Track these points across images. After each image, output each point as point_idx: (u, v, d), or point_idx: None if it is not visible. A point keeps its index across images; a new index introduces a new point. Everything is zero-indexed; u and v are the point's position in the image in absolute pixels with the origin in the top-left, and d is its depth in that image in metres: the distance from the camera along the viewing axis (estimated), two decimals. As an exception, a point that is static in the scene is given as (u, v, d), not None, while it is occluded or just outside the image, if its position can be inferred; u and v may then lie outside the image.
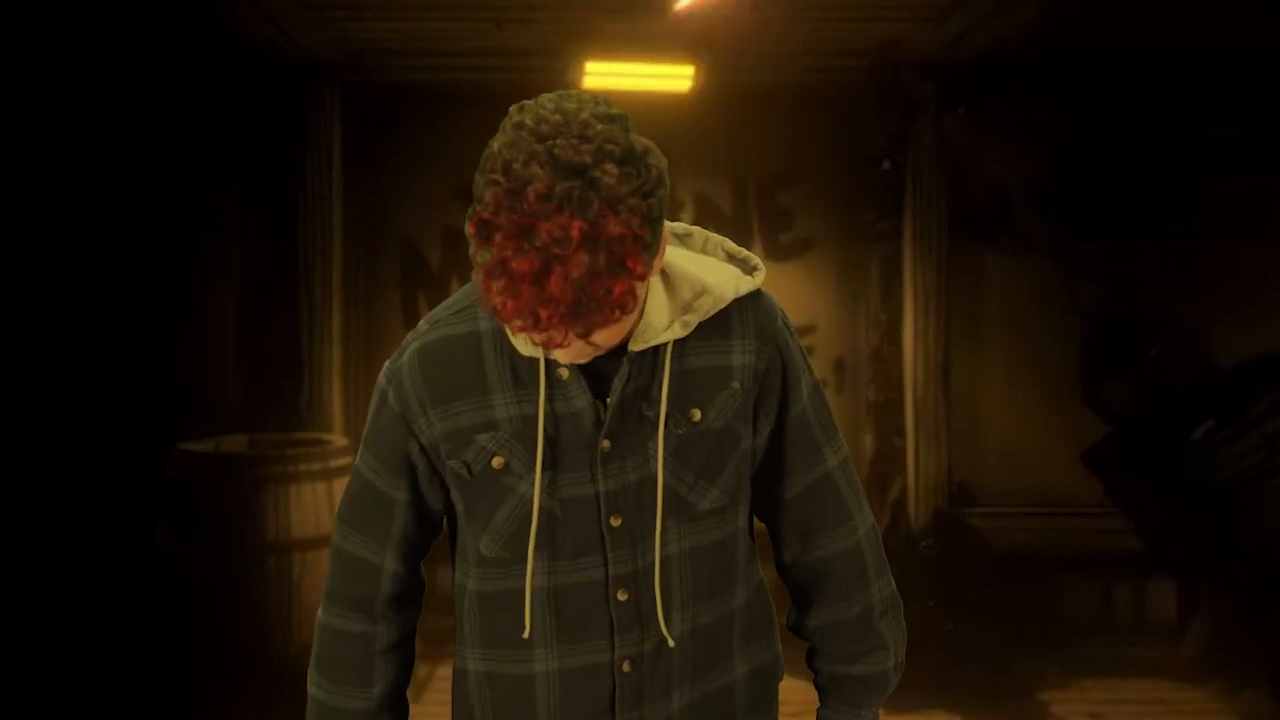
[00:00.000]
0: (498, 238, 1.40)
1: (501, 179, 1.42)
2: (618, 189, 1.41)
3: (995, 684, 5.01)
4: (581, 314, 1.42)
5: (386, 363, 1.71)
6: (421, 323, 1.71)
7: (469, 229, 1.44)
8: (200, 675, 4.77)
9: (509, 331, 1.59)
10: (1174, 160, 6.29)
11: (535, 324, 1.42)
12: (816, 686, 1.86)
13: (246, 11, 5.33)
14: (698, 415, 1.66)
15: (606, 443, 1.63)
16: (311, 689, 1.79)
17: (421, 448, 1.68)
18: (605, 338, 1.52)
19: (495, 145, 1.48)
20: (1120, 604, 5.91)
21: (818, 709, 1.85)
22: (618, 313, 1.44)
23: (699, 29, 5.40)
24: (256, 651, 4.91)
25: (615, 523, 1.65)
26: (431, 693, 4.90)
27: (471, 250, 1.45)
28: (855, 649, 1.79)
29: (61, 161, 5.59)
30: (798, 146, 6.77)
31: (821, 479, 1.76)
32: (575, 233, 1.38)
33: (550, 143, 1.43)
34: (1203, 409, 5.54)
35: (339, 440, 5.71)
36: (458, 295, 1.71)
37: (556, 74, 6.14)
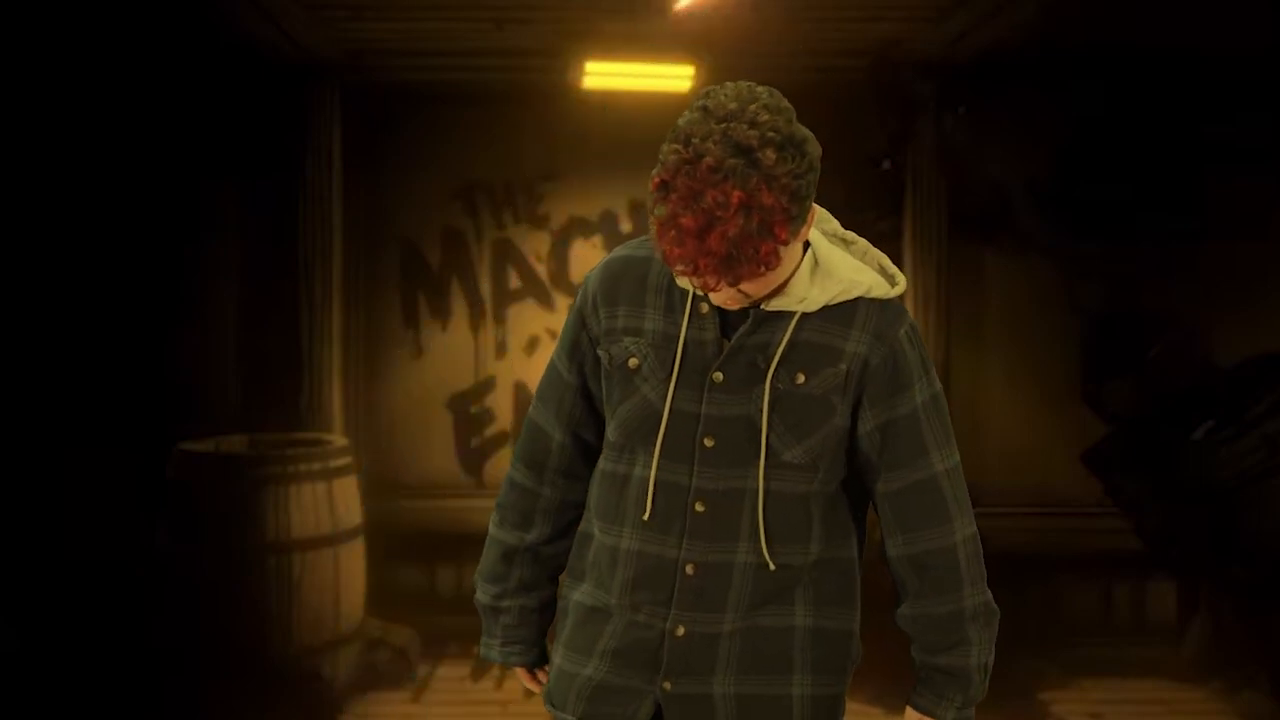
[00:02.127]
0: (673, 197, 1.71)
1: (681, 149, 1.71)
2: (774, 169, 1.70)
3: (995, 684, 4.99)
4: (732, 266, 1.72)
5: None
6: (619, 246, 2.06)
7: (651, 185, 1.73)
8: (200, 675, 4.77)
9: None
10: (1174, 160, 6.28)
11: (694, 270, 1.74)
12: (915, 674, 2.07)
13: (246, 11, 5.33)
14: (801, 379, 1.91)
15: (719, 374, 1.91)
16: (489, 524, 2.15)
17: (590, 339, 2.01)
18: (752, 289, 1.82)
19: (681, 121, 1.74)
20: (1120, 604, 5.91)
21: (910, 696, 2.07)
22: (762, 269, 1.74)
23: (699, 29, 5.40)
24: (256, 651, 4.91)
25: (709, 443, 1.92)
26: (431, 693, 4.90)
27: (650, 204, 1.76)
28: (941, 642, 2.02)
29: (62, 162, 5.59)
30: (798, 146, 6.75)
31: (927, 479, 1.96)
32: (735, 200, 1.68)
33: (725, 124, 1.71)
34: (1203, 409, 5.54)
35: (339, 440, 5.71)
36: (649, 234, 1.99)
37: (556, 74, 6.15)
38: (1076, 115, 6.38)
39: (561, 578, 2.14)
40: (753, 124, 1.71)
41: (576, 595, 2.07)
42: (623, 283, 1.98)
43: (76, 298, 5.70)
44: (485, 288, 6.94)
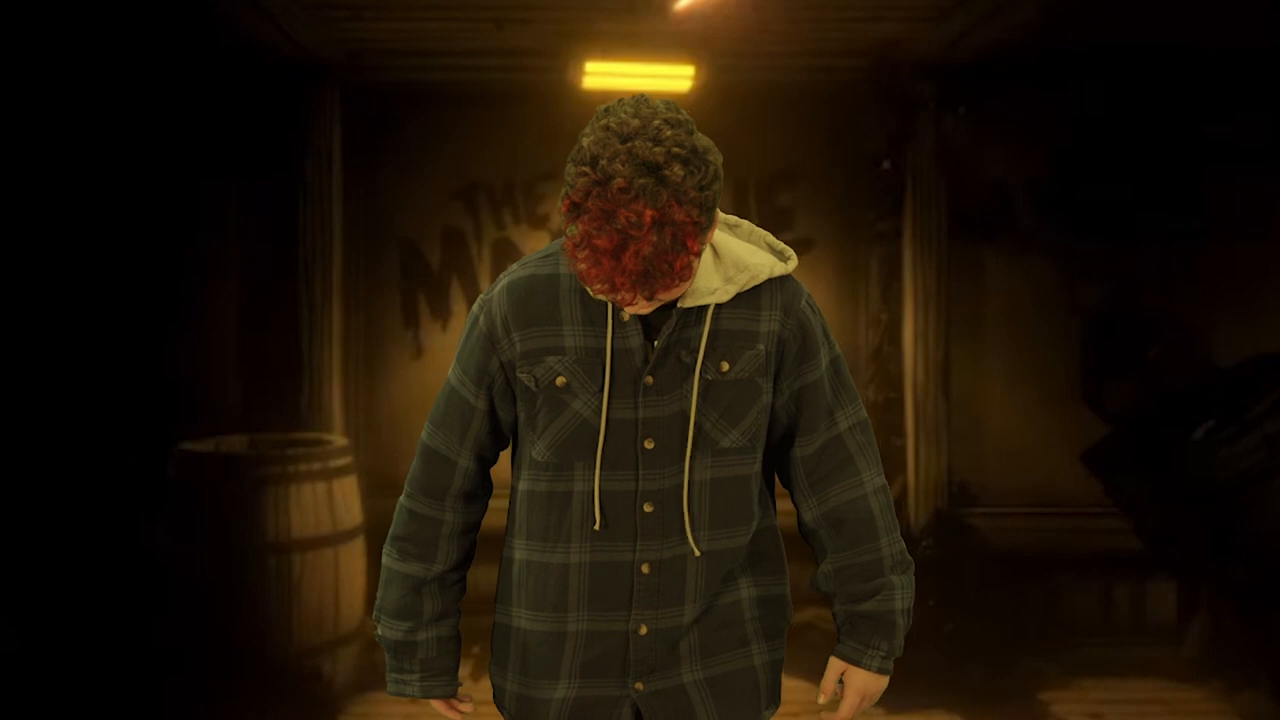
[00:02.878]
0: (584, 219, 1.74)
1: (590, 171, 1.74)
2: (683, 184, 1.74)
3: (995, 684, 5.00)
4: (649, 281, 1.76)
5: (480, 295, 2.05)
6: (513, 265, 2.06)
7: (561, 207, 1.77)
8: (200, 675, 4.77)
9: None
10: (1174, 160, 6.28)
11: (611, 289, 1.77)
12: (837, 631, 2.12)
13: (246, 11, 5.34)
14: (726, 367, 1.97)
15: (650, 378, 1.96)
16: (385, 558, 2.12)
17: (501, 364, 2.00)
18: (666, 296, 1.84)
19: (584, 141, 1.77)
20: (1120, 604, 5.91)
21: (833, 647, 2.11)
22: (678, 281, 1.79)
23: (699, 29, 5.41)
24: (256, 651, 4.91)
25: (649, 445, 1.97)
26: (431, 693, 4.90)
27: (561, 224, 1.80)
28: (865, 590, 2.06)
29: (61, 161, 5.59)
30: (798, 146, 6.77)
31: (833, 439, 2.06)
32: (648, 218, 1.72)
33: (630, 143, 1.74)
34: (1203, 409, 5.54)
35: (339, 440, 5.71)
36: (546, 246, 2.06)
37: (556, 74, 6.15)
38: (1076, 115, 6.38)
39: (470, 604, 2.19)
40: (657, 140, 1.74)
41: (517, 622, 2.09)
42: (531, 303, 1.98)
43: (76, 297, 5.70)
44: (485, 288, 6.94)
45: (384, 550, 2.12)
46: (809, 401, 2.04)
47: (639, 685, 2.03)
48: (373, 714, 4.84)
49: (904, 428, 6.49)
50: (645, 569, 2.00)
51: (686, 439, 1.97)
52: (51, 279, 5.60)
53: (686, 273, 1.78)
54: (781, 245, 2.05)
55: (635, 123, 1.76)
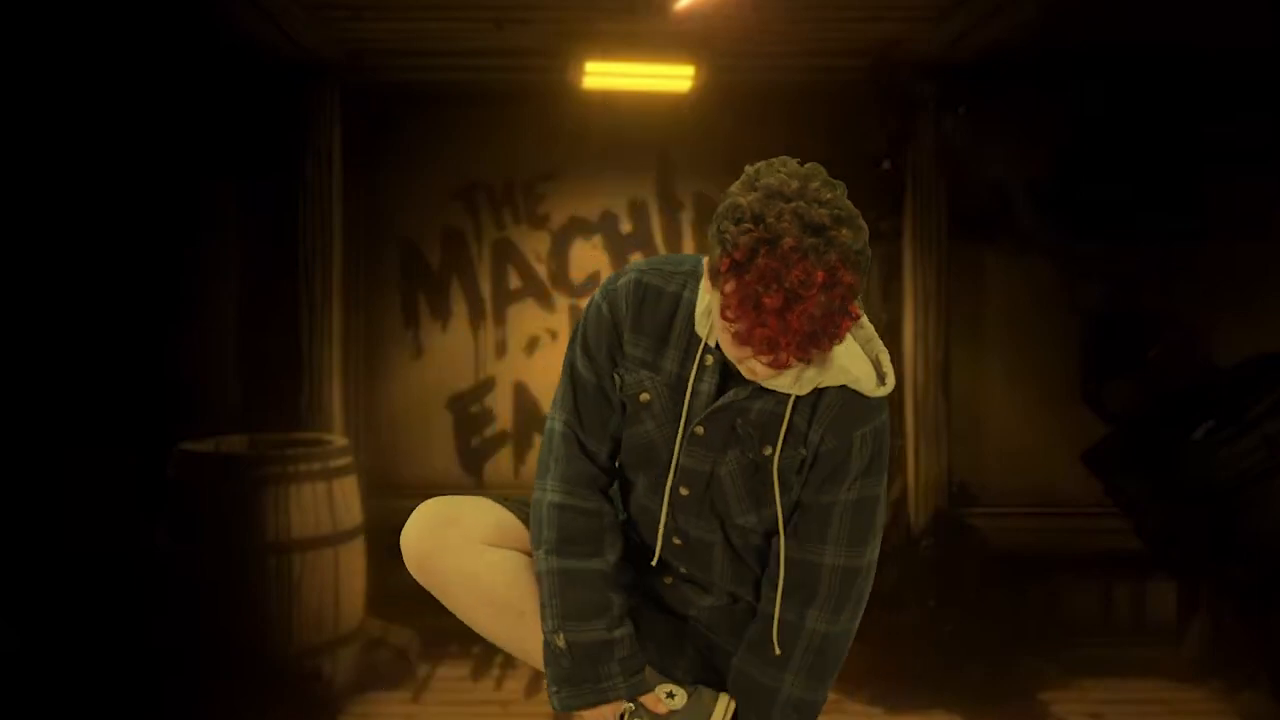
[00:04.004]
0: (748, 277, 1.71)
1: (755, 228, 1.71)
2: (848, 247, 1.73)
3: (995, 684, 5.00)
4: (814, 343, 1.73)
5: (604, 282, 2.04)
6: (641, 260, 2.05)
7: (720, 264, 1.73)
8: (200, 675, 4.77)
9: (698, 311, 1.93)
10: (1174, 160, 6.28)
11: (772, 348, 1.73)
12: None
13: (246, 11, 5.33)
14: (769, 451, 1.94)
15: (700, 428, 1.96)
16: (552, 563, 2.01)
17: (620, 356, 2.00)
18: (797, 366, 1.82)
19: (741, 200, 1.74)
20: (1120, 604, 5.91)
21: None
22: (833, 344, 1.77)
23: (699, 29, 5.40)
24: (256, 651, 4.91)
25: (684, 492, 2.00)
26: (431, 693, 4.90)
27: (711, 282, 1.78)
28: (755, 684, 2.05)
29: (61, 161, 5.59)
30: (798, 146, 6.71)
31: (809, 563, 1.99)
32: (819, 278, 1.70)
33: (795, 204, 1.72)
34: (1203, 409, 5.54)
35: (339, 440, 5.71)
36: (678, 259, 2.04)
37: (556, 74, 6.15)
38: (1076, 115, 6.38)
39: None
40: (820, 202, 1.73)
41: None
42: (649, 312, 1.98)
43: (76, 297, 5.70)
44: (485, 288, 6.94)
45: (542, 559, 2.02)
46: (808, 516, 1.99)
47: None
48: (373, 714, 4.84)
49: (904, 428, 6.48)
50: (668, 581, 2.12)
51: (714, 501, 2.00)
52: (52, 279, 5.60)
53: (842, 335, 1.76)
54: (888, 368, 1.97)
55: (795, 184, 1.74)
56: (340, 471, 5.18)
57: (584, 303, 6.92)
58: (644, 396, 1.97)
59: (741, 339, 1.74)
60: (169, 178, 6.13)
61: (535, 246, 6.94)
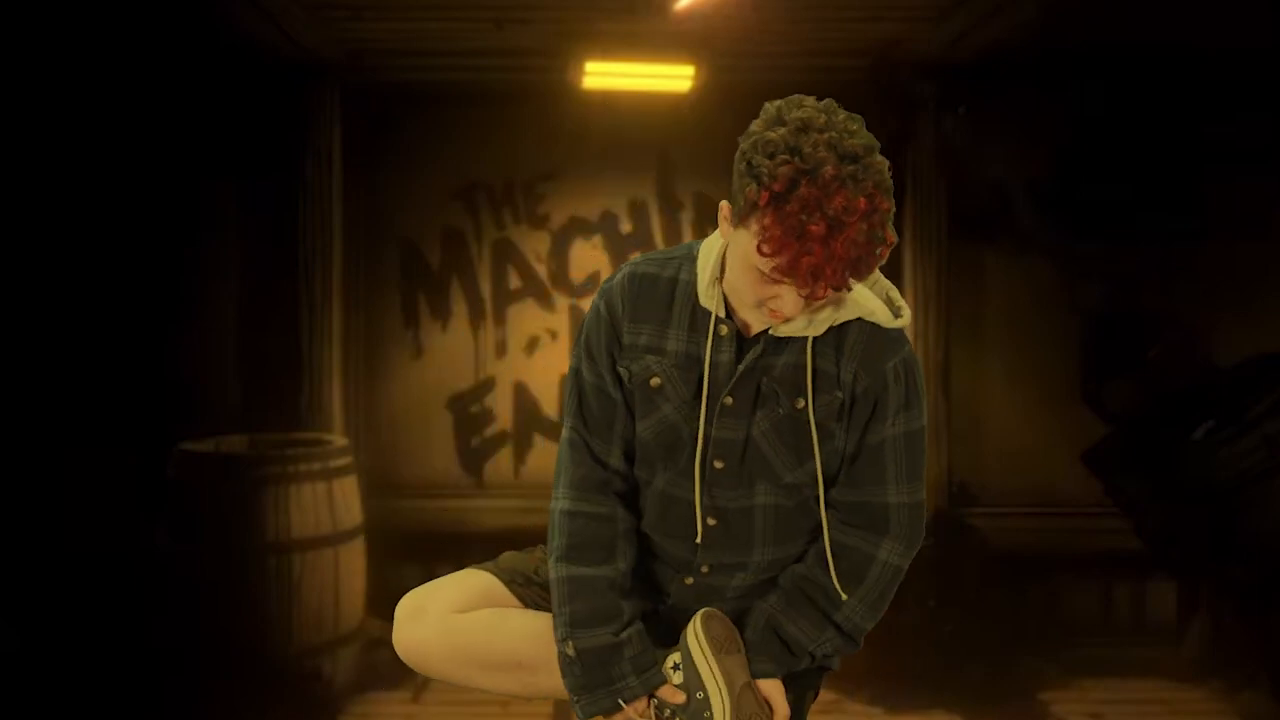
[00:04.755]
0: (790, 207, 1.71)
1: (793, 160, 1.72)
2: (881, 174, 1.75)
3: (995, 684, 5.00)
4: (857, 269, 1.76)
5: (601, 284, 2.06)
6: (636, 256, 2.08)
7: (759, 198, 1.73)
8: (200, 675, 4.77)
9: (701, 286, 1.94)
10: (1174, 160, 6.28)
11: (817, 277, 1.74)
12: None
13: (246, 11, 5.33)
14: (801, 404, 1.94)
15: (729, 399, 1.95)
16: (561, 570, 2.02)
17: (620, 350, 2.01)
18: (827, 296, 1.82)
19: (773, 135, 1.75)
20: (1120, 604, 5.91)
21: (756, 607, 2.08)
22: (869, 273, 1.79)
23: (699, 29, 5.40)
24: (256, 651, 4.91)
25: (719, 465, 1.98)
26: (431, 693, 4.90)
27: (736, 224, 1.80)
28: (806, 606, 2.03)
29: (61, 161, 5.59)
30: (798, 146, 6.75)
31: (873, 503, 2.03)
32: (860, 204, 1.71)
33: (828, 134, 1.73)
34: (1203, 409, 5.54)
35: (339, 440, 5.71)
36: (669, 249, 2.06)
37: (556, 74, 6.15)
38: (1076, 115, 6.38)
39: None
40: (848, 132, 1.75)
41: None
42: (645, 300, 2.00)
43: (76, 297, 5.70)
44: (485, 288, 6.94)
45: (553, 567, 2.03)
46: (864, 461, 2.01)
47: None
48: (373, 714, 4.84)
49: (904, 428, 6.47)
50: (705, 569, 2.06)
51: (754, 465, 1.98)
52: (52, 279, 5.60)
53: (879, 261, 1.79)
54: (900, 301, 2.00)
55: (823, 117, 1.76)
56: (340, 471, 5.18)
57: (584, 302, 6.94)
58: (654, 381, 1.98)
59: (783, 270, 1.75)
60: (169, 178, 6.13)
61: (535, 246, 6.94)
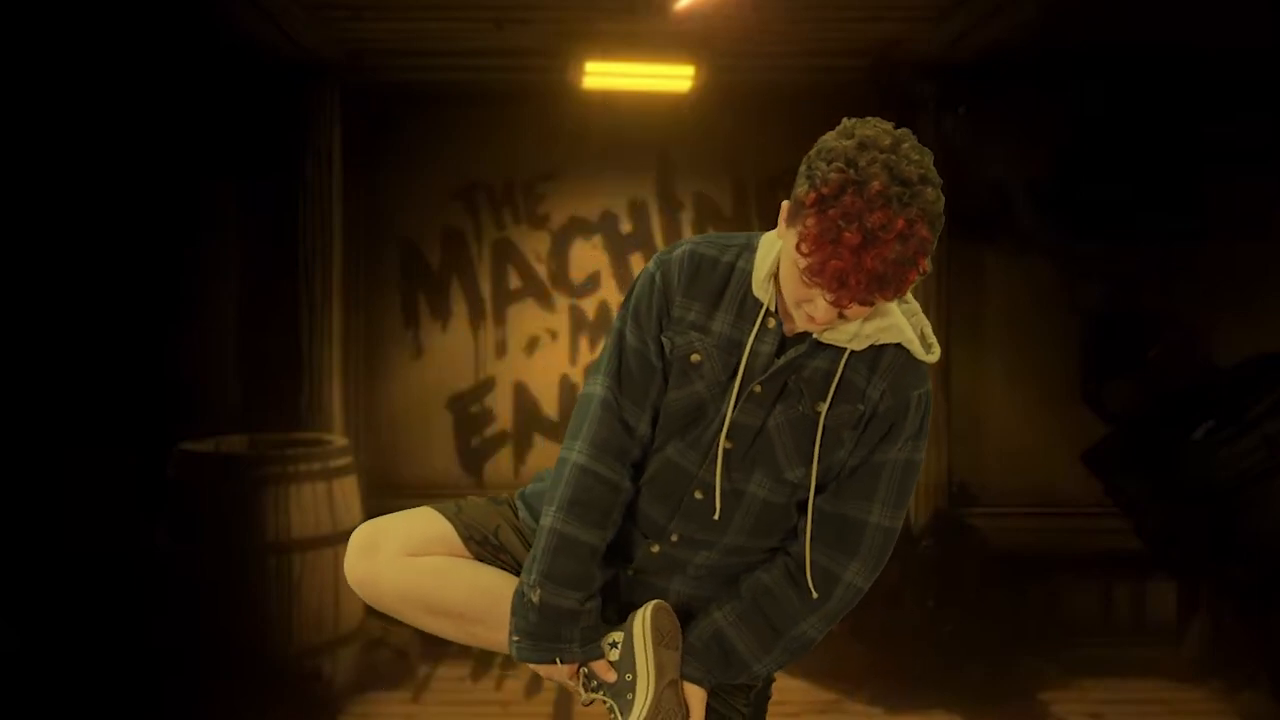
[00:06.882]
0: (832, 213, 1.79)
1: (846, 169, 1.79)
2: (930, 204, 1.80)
3: (995, 684, 5.00)
4: (880, 287, 1.80)
5: (657, 254, 2.10)
6: (696, 236, 2.14)
7: (807, 198, 1.81)
8: (200, 675, 4.77)
9: (757, 277, 2.00)
10: (1174, 160, 6.28)
11: (842, 284, 1.80)
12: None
13: (246, 11, 5.34)
14: (821, 408, 2.01)
15: (758, 387, 2.01)
16: (554, 522, 2.06)
17: (668, 321, 2.05)
18: (855, 314, 1.89)
19: (835, 144, 1.83)
20: (1120, 604, 5.91)
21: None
22: (898, 294, 1.85)
23: (699, 29, 5.41)
24: (256, 651, 4.92)
25: (728, 445, 2.03)
26: (431, 693, 4.90)
27: (789, 222, 1.87)
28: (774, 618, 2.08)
29: (61, 161, 5.59)
30: (798, 146, 6.72)
31: (853, 520, 2.05)
32: (899, 225, 1.77)
33: (887, 155, 1.80)
34: (1203, 409, 5.54)
35: (339, 440, 5.72)
36: (731, 235, 2.11)
37: (556, 74, 6.15)
38: (1076, 115, 6.38)
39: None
40: (910, 160, 1.80)
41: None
42: (702, 279, 2.04)
43: (76, 297, 5.70)
44: (485, 288, 6.94)
45: (551, 514, 2.07)
46: (862, 474, 2.05)
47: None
48: (373, 714, 4.84)
49: (904, 428, 6.47)
50: (675, 538, 2.10)
51: (758, 453, 2.03)
52: (52, 279, 5.60)
53: (905, 289, 1.84)
54: (933, 340, 2.06)
55: (888, 140, 1.81)
56: (340, 471, 5.18)
57: (584, 303, 6.95)
58: (695, 357, 2.03)
59: (813, 271, 1.82)
60: (169, 178, 6.13)
61: (535, 246, 6.94)
